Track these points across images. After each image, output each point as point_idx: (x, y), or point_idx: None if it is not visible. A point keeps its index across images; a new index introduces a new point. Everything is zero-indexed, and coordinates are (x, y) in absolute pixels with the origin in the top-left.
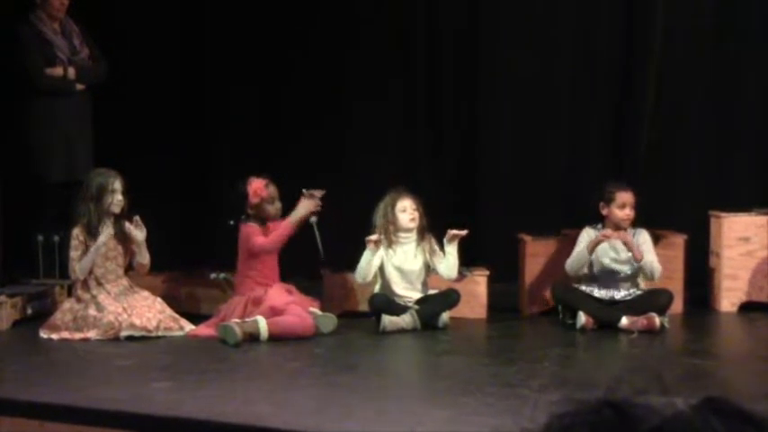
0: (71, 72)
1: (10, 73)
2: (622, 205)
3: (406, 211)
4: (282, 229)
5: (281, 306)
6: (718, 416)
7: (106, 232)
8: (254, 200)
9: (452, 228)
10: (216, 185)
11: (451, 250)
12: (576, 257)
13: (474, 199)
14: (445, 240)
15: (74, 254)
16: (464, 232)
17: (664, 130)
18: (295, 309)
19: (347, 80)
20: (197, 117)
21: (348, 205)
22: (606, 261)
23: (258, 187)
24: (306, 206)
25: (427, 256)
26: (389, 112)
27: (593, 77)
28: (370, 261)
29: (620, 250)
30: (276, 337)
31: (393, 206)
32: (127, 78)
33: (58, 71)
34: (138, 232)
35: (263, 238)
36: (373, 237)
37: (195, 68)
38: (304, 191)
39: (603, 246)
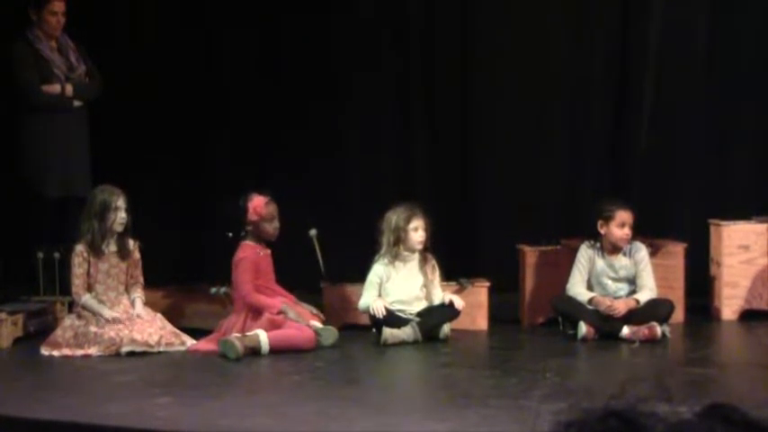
0: (68, 89)
1: (7, 90)
2: (622, 224)
3: (418, 230)
4: (269, 305)
5: (280, 318)
6: (724, 423)
7: (114, 313)
8: (252, 217)
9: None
10: (215, 200)
11: (449, 298)
12: (575, 295)
13: (473, 210)
14: (446, 294)
15: (77, 271)
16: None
17: (662, 138)
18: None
19: (346, 93)
20: (197, 132)
21: (348, 218)
22: (605, 280)
23: (258, 205)
24: (300, 317)
25: (428, 276)
26: (388, 125)
27: (591, 86)
28: (375, 297)
29: (619, 269)
30: (277, 350)
31: (407, 222)
32: (123, 93)
33: (56, 88)
34: (140, 303)
35: (252, 292)
36: (380, 312)
37: (193, 81)
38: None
39: (602, 266)
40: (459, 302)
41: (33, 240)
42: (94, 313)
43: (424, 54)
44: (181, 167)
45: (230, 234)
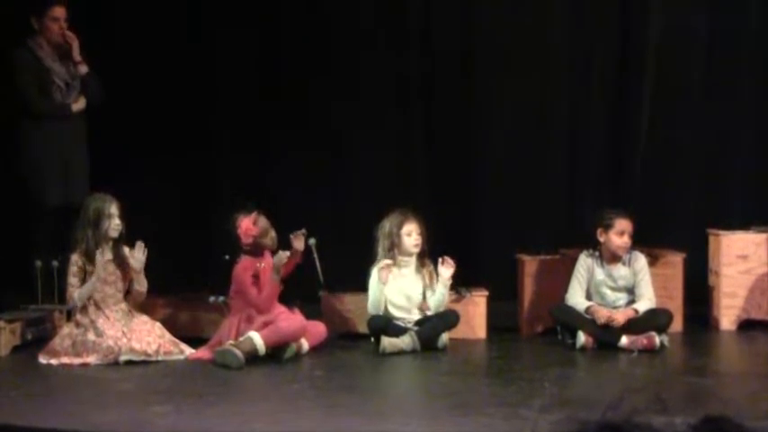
0: (82, 69)
1: (7, 97)
2: (621, 232)
3: (412, 234)
4: (272, 288)
5: (271, 318)
6: None
7: (100, 259)
8: (247, 240)
9: (449, 255)
10: (215, 210)
11: (443, 289)
12: (574, 304)
13: (472, 219)
14: (440, 268)
15: (72, 280)
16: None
17: (661, 147)
18: (284, 315)
19: (344, 103)
20: (197, 139)
21: (346, 227)
22: (604, 290)
23: (247, 227)
24: (281, 260)
25: (426, 281)
26: (387, 134)
27: (590, 96)
28: (382, 291)
29: (618, 278)
30: (274, 346)
31: (399, 227)
32: (124, 101)
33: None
34: (134, 261)
35: (258, 295)
36: (387, 262)
37: (192, 82)
38: (302, 233)
39: (601, 275)
40: (451, 263)
41: (32, 249)
42: (91, 291)
43: (423, 54)
44: (179, 171)
45: (227, 257)
